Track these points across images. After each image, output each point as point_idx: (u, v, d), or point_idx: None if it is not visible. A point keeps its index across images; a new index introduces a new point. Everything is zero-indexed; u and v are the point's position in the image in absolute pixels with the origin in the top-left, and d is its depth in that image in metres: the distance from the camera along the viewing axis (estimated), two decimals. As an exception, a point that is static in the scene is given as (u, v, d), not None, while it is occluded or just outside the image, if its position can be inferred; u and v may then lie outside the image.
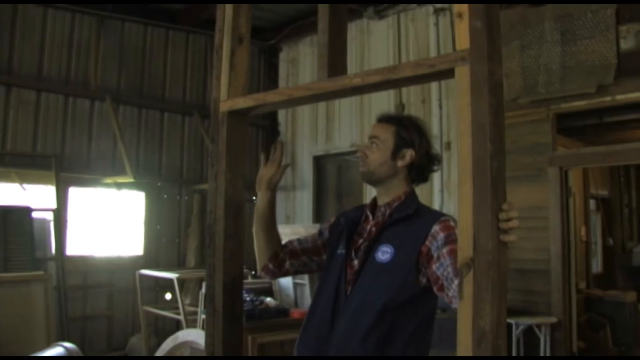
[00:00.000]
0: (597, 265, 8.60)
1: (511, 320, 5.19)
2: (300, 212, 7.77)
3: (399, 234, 1.90)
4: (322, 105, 7.42)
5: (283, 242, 2.22)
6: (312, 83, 1.84)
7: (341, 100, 6.98)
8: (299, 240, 2.22)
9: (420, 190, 2.07)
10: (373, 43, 6.95)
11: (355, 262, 1.95)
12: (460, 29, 1.50)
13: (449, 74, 1.53)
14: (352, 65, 7.10)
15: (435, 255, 1.78)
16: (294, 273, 2.28)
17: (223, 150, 2.08)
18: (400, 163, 1.99)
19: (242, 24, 2.17)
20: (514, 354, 5.17)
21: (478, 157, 1.43)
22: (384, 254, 1.88)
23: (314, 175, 7.63)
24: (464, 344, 1.43)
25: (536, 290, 5.48)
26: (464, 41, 1.49)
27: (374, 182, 2.04)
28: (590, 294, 7.28)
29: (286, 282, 5.73)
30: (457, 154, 1.49)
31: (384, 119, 2.05)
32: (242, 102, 2.05)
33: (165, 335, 5.55)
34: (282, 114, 8.15)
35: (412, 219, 1.92)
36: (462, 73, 1.47)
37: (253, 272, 6.81)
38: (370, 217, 2.04)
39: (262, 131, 8.13)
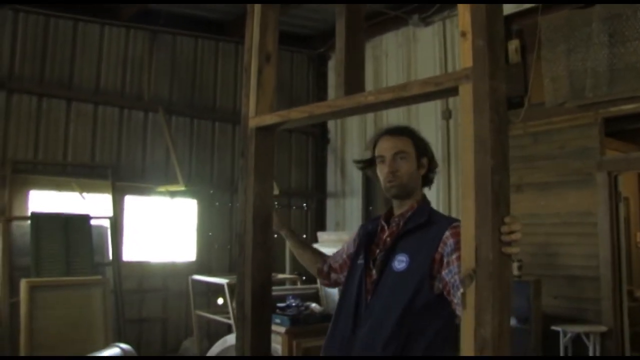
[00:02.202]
0: (656, 272, 8.30)
1: (558, 328, 5.13)
2: (350, 218, 7.85)
3: (413, 242, 1.98)
4: (370, 113, 7.49)
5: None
6: (330, 101, 1.93)
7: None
8: (333, 257, 2.39)
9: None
10: (420, 50, 6.97)
11: (374, 272, 2.03)
12: (464, 48, 1.55)
13: (454, 91, 1.58)
14: (398, 73, 7.17)
15: (446, 260, 1.85)
16: None
17: (252, 164, 2.18)
18: (422, 171, 2.11)
19: (269, 42, 2.27)
20: (561, 362, 5.11)
21: (479, 172, 1.48)
22: (400, 263, 1.95)
23: (363, 183, 7.69)
24: (467, 352, 1.48)
25: (585, 297, 5.38)
26: (467, 59, 1.54)
27: (406, 195, 2.09)
28: (648, 302, 7.06)
29: (332, 289, 5.81)
30: (461, 169, 1.55)
31: (398, 132, 2.12)
32: (269, 119, 2.15)
33: (217, 339, 5.71)
34: (331, 122, 8.25)
35: (425, 227, 1.99)
36: (466, 90, 1.53)
37: (304, 277, 6.94)
38: (386, 227, 2.11)
39: (312, 139, 8.26)
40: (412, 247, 1.97)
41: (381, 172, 2.10)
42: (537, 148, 5.79)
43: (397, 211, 2.12)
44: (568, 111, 5.51)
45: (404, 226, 2.04)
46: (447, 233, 1.89)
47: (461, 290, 1.61)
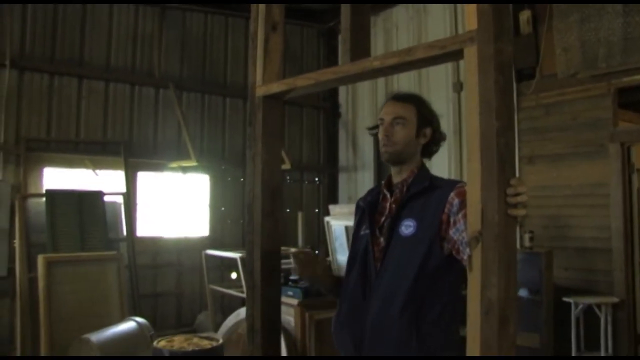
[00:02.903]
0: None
1: (570, 300, 5.14)
2: (362, 192, 7.74)
3: (418, 206, 1.98)
4: (381, 86, 7.46)
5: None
6: (336, 67, 1.92)
7: (400, 80, 7.02)
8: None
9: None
10: (430, 22, 6.91)
11: (381, 239, 2.03)
12: (468, 10, 1.54)
13: (459, 54, 1.57)
14: (409, 46, 7.11)
15: (452, 220, 1.85)
16: None
17: (259, 132, 2.19)
18: (422, 141, 2.10)
19: (276, 11, 2.27)
20: (572, 333, 5.11)
21: (485, 134, 1.48)
22: (407, 227, 1.96)
23: (375, 156, 7.68)
24: (473, 314, 1.49)
25: (597, 269, 5.37)
26: (472, 22, 1.52)
27: (400, 162, 2.09)
28: (662, 274, 7.02)
29: (344, 260, 5.85)
30: (466, 131, 1.54)
31: (402, 98, 2.11)
32: (276, 87, 2.16)
33: (231, 312, 5.78)
34: (342, 95, 8.24)
35: (429, 191, 1.99)
36: (470, 53, 1.52)
37: (317, 251, 6.98)
38: (388, 195, 2.11)
39: (323, 112, 8.26)
40: (418, 212, 1.97)
41: (380, 135, 2.10)
42: (548, 120, 5.74)
43: (396, 178, 2.12)
44: (580, 82, 5.45)
45: (408, 191, 2.04)
46: (452, 194, 1.89)
47: (468, 249, 1.62)
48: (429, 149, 2.14)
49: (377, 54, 1.90)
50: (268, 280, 2.16)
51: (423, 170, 2.11)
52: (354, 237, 2.17)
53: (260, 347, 2.14)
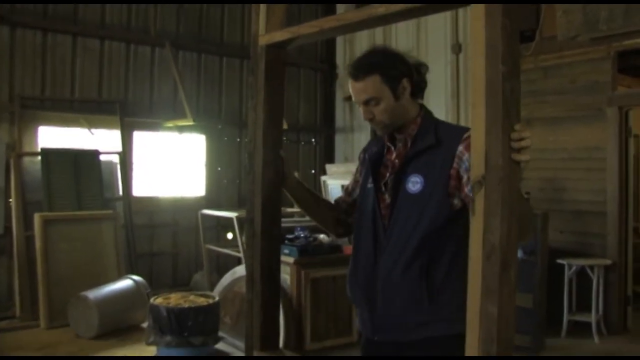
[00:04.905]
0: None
1: (563, 261, 5.19)
2: (358, 152, 7.83)
3: (425, 162, 1.90)
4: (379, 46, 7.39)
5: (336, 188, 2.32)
6: (341, 14, 1.90)
7: (398, 42, 6.96)
8: (346, 192, 2.25)
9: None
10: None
11: (386, 195, 1.97)
12: (476, -46, 1.52)
13: (466, -2, 1.56)
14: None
15: (465, 177, 1.80)
16: None
17: (262, 82, 2.17)
18: (406, 94, 1.97)
19: (279, -39, 2.23)
20: (565, 294, 5.19)
21: (490, 79, 1.47)
22: (414, 184, 1.90)
23: (371, 118, 7.65)
24: (475, 258, 1.49)
25: (592, 232, 5.43)
26: (480, -35, 1.51)
27: (396, 129, 2.01)
28: (653, 239, 7.10)
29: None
30: (471, 76, 1.53)
31: (361, 75, 1.95)
32: (279, 36, 2.13)
33: (226, 271, 5.83)
34: (340, 56, 8.19)
35: (434, 146, 1.91)
36: (478, -4, 1.50)
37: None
38: (392, 148, 2.04)
39: (320, 74, 8.22)
40: (425, 167, 1.90)
41: (362, 115, 2.02)
42: (547, 82, 5.73)
43: (398, 132, 2.03)
44: (580, 45, 5.42)
45: (413, 147, 1.96)
46: (461, 147, 1.83)
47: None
48: (418, 89, 2.02)
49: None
50: (268, 230, 2.16)
51: (426, 119, 2.01)
52: (361, 189, 2.12)
53: (259, 295, 2.15)
